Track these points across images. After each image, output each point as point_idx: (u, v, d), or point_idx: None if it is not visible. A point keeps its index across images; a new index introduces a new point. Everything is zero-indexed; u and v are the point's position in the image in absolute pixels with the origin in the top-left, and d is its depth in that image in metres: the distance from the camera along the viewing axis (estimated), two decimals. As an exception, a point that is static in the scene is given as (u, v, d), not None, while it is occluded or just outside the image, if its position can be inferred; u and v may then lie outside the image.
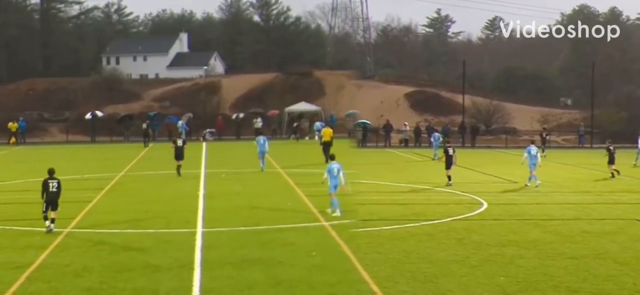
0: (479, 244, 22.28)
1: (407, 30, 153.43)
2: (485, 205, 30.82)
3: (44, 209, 24.58)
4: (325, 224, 25.52)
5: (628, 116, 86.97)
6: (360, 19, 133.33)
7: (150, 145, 70.40)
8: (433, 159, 54.96)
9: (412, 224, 25.75)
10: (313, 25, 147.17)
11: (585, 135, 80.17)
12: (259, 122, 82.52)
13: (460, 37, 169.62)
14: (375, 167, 49.31)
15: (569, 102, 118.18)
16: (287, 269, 18.99)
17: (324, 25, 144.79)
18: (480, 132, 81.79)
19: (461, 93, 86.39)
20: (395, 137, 78.23)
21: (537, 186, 37.52)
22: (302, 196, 32.92)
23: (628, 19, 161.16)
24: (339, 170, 28.36)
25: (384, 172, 45.90)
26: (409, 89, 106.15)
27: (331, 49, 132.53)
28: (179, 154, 43.49)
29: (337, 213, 27.54)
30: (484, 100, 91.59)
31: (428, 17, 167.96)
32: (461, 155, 60.70)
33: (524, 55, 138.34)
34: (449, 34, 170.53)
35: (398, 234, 23.98)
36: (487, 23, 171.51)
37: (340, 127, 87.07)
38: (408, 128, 78.35)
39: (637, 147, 55.23)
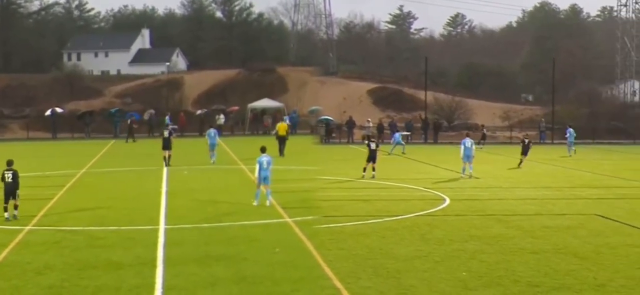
0: (442, 240, 22.40)
1: (370, 26, 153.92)
2: (448, 201, 30.99)
3: (5, 201, 25.41)
4: (289, 220, 25.52)
5: (589, 112, 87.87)
6: (323, 16, 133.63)
7: (131, 141, 70.58)
8: (399, 153, 56.72)
9: (375, 220, 25.84)
10: (276, 22, 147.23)
11: (547, 131, 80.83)
12: (221, 119, 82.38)
13: (422, 34, 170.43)
14: (338, 163, 49.37)
15: (531, 98, 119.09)
16: (251, 265, 18.97)
17: (287, 22, 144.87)
18: (442, 128, 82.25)
19: (423, 89, 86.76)
20: (358, 133, 78.41)
21: (470, 176, 39.80)
22: (264, 191, 32.87)
23: (588, 16, 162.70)
24: (269, 164, 28.81)
25: (347, 168, 45.96)
26: (371, 86, 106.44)
27: (294, 45, 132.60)
28: (166, 145, 45.77)
29: (255, 203, 28.71)
30: (446, 97, 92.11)
31: (390, 14, 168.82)
32: (424, 152, 61.29)
33: (485, 52, 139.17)
34: (412, 30, 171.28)
35: (361, 230, 24.03)
36: (450, 19, 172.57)
37: (304, 124, 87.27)
38: (371, 124, 78.57)
39: (567, 141, 60.27)
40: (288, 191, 32.54)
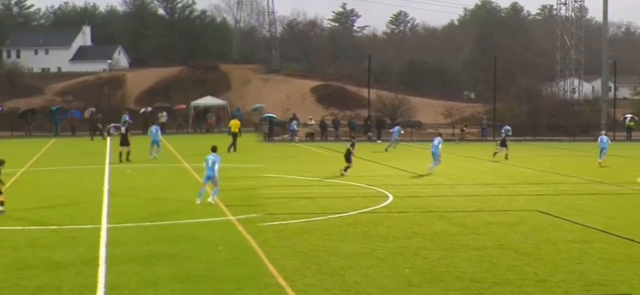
0: (385, 237, 22.48)
1: (313, 24, 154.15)
2: (391, 198, 31.12)
3: None
4: (232, 218, 25.43)
5: (529, 109, 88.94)
6: (266, 13, 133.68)
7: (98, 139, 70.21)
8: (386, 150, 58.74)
9: (319, 218, 25.85)
10: (219, 19, 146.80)
11: (488, 128, 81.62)
12: (164, 117, 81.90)
13: (365, 31, 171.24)
14: (281, 161, 49.35)
15: (472, 95, 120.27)
16: (194, 264, 18.86)
17: (230, 19, 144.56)
18: (385, 125, 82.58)
19: (366, 87, 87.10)
20: (301, 131, 78.50)
21: (429, 172, 40.53)
22: (209, 190, 32.77)
23: (529, 15, 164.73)
24: (214, 163, 28.78)
25: (290, 166, 45.97)
26: (314, 83, 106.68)
27: (237, 42, 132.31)
28: (123, 141, 46.94)
29: (198, 201, 28.48)
30: (389, 94, 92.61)
31: (333, 11, 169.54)
32: (367, 149, 61.45)
33: (428, 50, 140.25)
34: (355, 28, 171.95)
35: (305, 227, 24.03)
36: (392, 17, 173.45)
37: (247, 121, 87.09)
38: (314, 122, 78.71)
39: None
40: (232, 189, 32.42)
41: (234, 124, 56.46)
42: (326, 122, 79.00)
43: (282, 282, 17.09)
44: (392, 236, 22.59)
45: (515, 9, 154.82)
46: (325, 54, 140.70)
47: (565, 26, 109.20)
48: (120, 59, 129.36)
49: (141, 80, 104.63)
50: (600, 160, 47.59)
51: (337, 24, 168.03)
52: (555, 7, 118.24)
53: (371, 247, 21.01)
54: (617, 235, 22.97)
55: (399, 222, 25.11)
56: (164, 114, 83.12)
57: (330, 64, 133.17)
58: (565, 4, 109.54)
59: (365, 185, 35.50)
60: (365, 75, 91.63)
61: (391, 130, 64.51)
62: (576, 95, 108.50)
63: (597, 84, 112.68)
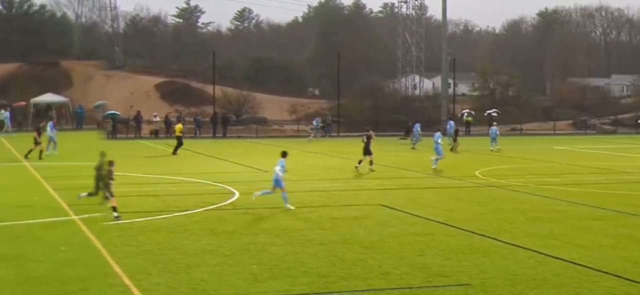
0: (232, 233, 22.49)
1: (157, 20, 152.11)
2: (237, 194, 31.14)
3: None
4: (75, 218, 24.93)
5: (372, 105, 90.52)
6: (108, 8, 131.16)
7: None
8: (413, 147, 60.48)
9: (164, 216, 25.61)
10: (59, 14, 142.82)
11: (332, 124, 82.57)
12: (3, 114, 79.35)
13: (210, 28, 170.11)
14: (126, 159, 48.49)
15: (317, 92, 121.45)
16: (36, 265, 18.40)
17: (71, 14, 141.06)
18: (231, 122, 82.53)
19: (212, 83, 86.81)
20: (146, 128, 77.54)
21: (433, 167, 42.24)
22: (50, 190, 32.02)
23: (371, 12, 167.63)
24: (280, 169, 27.43)
25: (135, 163, 45.34)
26: (159, 80, 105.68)
27: (78, 38, 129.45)
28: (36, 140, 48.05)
29: (288, 206, 26.99)
30: (234, 91, 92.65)
31: (178, 7, 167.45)
32: (213, 146, 61.28)
33: (273, 46, 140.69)
34: (199, 24, 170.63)
35: (151, 225, 23.79)
36: (237, 14, 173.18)
37: (89, 119, 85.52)
38: (158, 119, 77.88)
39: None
40: (74, 188, 31.75)
41: (178, 127, 55.45)
42: (171, 119, 78.30)
43: (127, 281, 16.88)
44: (238, 233, 22.62)
45: (358, 7, 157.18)
46: (169, 50, 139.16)
47: (406, 24, 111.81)
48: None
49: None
50: (491, 148, 56.23)
51: (181, 20, 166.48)
52: (396, 5, 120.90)
53: (218, 244, 20.98)
54: (457, 228, 23.69)
55: (246, 219, 25.16)
56: (2, 111, 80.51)
57: (174, 61, 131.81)
58: (406, 2, 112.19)
59: (211, 182, 35.38)
60: (210, 72, 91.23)
61: (413, 129, 65.22)
62: (417, 92, 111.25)
63: (438, 80, 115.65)
